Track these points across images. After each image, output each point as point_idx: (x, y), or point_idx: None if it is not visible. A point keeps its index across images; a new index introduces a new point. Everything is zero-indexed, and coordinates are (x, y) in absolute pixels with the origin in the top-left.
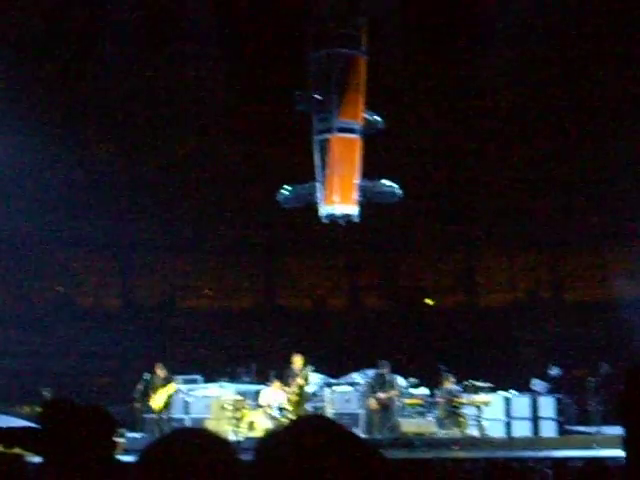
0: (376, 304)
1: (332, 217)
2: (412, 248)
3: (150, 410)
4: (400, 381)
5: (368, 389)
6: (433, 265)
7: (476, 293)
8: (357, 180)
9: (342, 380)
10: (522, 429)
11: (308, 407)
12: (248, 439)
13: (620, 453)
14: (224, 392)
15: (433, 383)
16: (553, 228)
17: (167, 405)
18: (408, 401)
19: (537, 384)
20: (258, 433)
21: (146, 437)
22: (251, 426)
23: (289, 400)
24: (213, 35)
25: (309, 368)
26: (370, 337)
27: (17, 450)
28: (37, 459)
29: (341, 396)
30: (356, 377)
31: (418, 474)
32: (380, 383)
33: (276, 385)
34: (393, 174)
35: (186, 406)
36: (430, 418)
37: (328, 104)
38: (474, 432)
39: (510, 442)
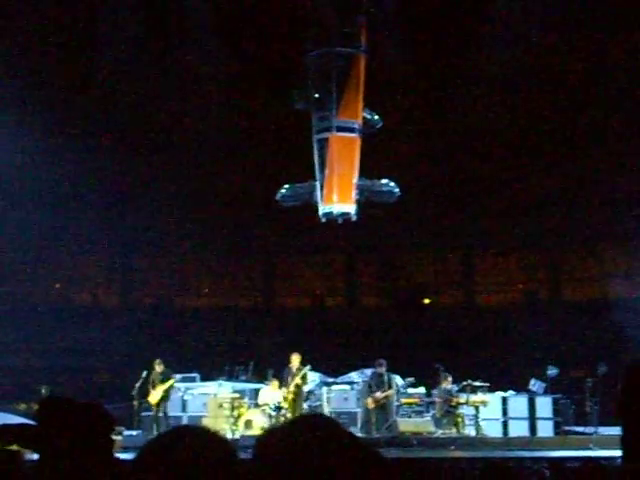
0: (374, 303)
1: (330, 216)
2: (410, 247)
3: (148, 406)
4: (398, 380)
5: (366, 388)
6: (431, 264)
7: (474, 293)
8: (356, 179)
9: (340, 379)
10: (519, 429)
11: (306, 406)
12: (245, 437)
13: (617, 453)
14: (222, 390)
15: (431, 382)
16: (551, 228)
17: (164, 399)
18: (405, 400)
19: (535, 384)
20: (255, 431)
21: (144, 434)
22: (248, 424)
23: (286, 399)
24: (212, 33)
25: (307, 367)
26: (368, 336)
27: (14, 447)
28: (34, 456)
29: (339, 395)
30: (354, 376)
31: (415, 473)
32: (378, 382)
33: (274, 384)
34: (391, 173)
35: (184, 404)
36: (427, 417)
37: (327, 103)
38: (471, 432)
39: (507, 442)
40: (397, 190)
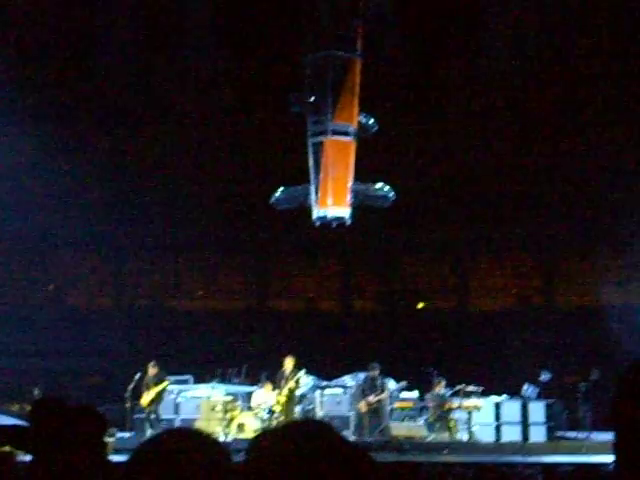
0: (368, 307)
1: (325, 220)
2: (404, 252)
3: (141, 408)
4: (391, 384)
5: (359, 392)
6: (425, 269)
7: (468, 297)
8: (350, 183)
9: (333, 383)
10: (512, 434)
11: (298, 409)
12: (238, 440)
13: (610, 459)
14: (215, 393)
15: (424, 387)
16: (545, 234)
17: (156, 400)
18: (398, 404)
19: (528, 389)
20: (248, 434)
21: (136, 436)
22: (241, 427)
23: (279, 402)
24: (209, 37)
25: (302, 372)
26: (361, 340)
27: (7, 448)
28: (27, 457)
29: (332, 399)
30: (347, 380)
31: (408, 478)
32: (371, 386)
33: (267, 387)
34: (386, 177)
35: (176, 407)
36: (420, 422)
37: (323, 106)
38: (464, 436)
39: (500, 447)
40: (392, 194)
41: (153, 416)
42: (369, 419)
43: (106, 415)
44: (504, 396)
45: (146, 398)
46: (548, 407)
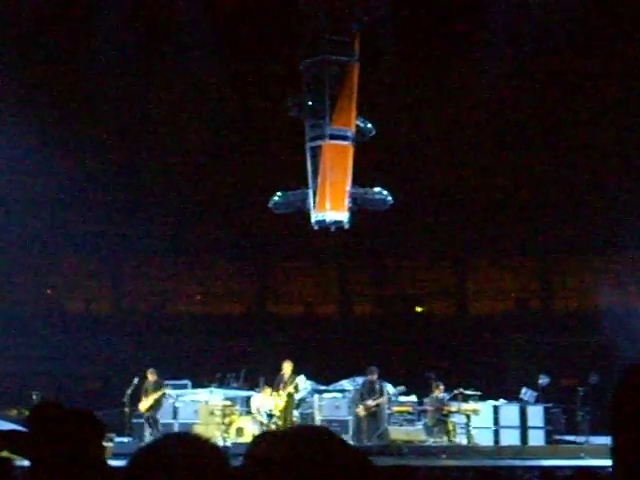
0: (366, 311)
1: (323, 224)
2: (402, 256)
3: (139, 413)
4: (389, 388)
5: (357, 396)
6: (424, 273)
7: (466, 301)
8: (349, 187)
9: (331, 387)
10: (510, 438)
11: (297, 413)
12: (237, 445)
13: (608, 462)
14: (213, 397)
15: (422, 391)
16: (543, 238)
17: (155, 407)
18: (397, 408)
19: (526, 393)
20: (247, 439)
21: (135, 441)
22: (240, 432)
23: (278, 406)
24: (207, 41)
25: (301, 378)
26: (360, 344)
27: (5, 454)
28: (25, 463)
29: (330, 403)
30: (345, 384)
31: None
32: (369, 390)
33: (266, 391)
34: (384, 181)
35: (175, 411)
36: (419, 426)
37: (320, 111)
38: (463, 440)
39: (498, 451)
40: (390, 198)
41: (151, 421)
42: (368, 423)
43: (105, 420)
44: (502, 400)
45: (144, 404)
46: (547, 411)
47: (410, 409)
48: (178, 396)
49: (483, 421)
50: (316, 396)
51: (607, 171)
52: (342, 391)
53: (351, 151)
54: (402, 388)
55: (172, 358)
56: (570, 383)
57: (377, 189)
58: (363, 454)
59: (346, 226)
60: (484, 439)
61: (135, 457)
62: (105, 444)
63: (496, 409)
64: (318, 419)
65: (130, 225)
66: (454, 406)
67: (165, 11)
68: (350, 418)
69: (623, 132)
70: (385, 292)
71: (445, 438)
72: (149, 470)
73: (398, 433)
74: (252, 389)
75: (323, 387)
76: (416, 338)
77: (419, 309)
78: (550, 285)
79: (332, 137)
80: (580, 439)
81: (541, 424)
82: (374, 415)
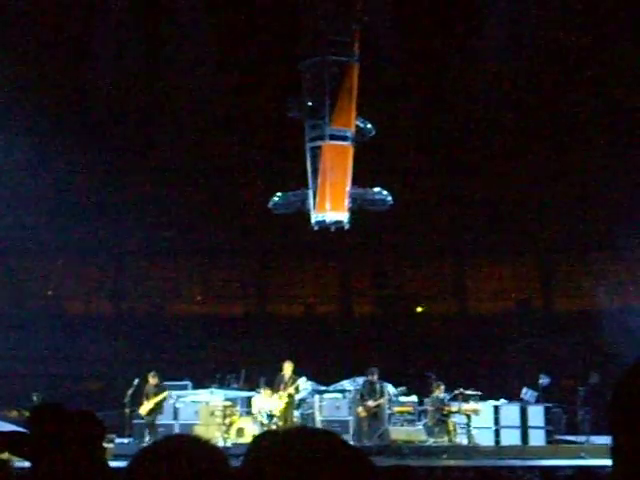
0: (366, 311)
1: (323, 224)
2: (403, 255)
3: (139, 416)
4: (390, 389)
5: (357, 397)
6: (424, 273)
7: (466, 301)
8: (349, 187)
9: (332, 387)
10: (511, 438)
11: (297, 414)
12: (237, 445)
13: (609, 462)
14: (214, 398)
15: (423, 391)
16: (544, 238)
17: (155, 410)
18: (397, 409)
19: (527, 393)
20: (247, 439)
21: (135, 442)
22: (240, 432)
23: (278, 407)
24: (207, 42)
25: (303, 379)
26: (360, 344)
27: (5, 455)
28: (25, 464)
29: (330, 403)
30: (346, 384)
31: None
32: (370, 391)
33: (266, 392)
34: (384, 181)
35: (175, 412)
36: (419, 426)
37: (320, 111)
38: (463, 440)
39: (499, 451)
40: (390, 198)
41: (152, 422)
42: (368, 423)
43: (105, 421)
44: (503, 400)
45: (145, 408)
46: (547, 411)
47: (411, 409)
48: (178, 397)
49: (484, 421)
50: (316, 396)
51: (607, 171)
52: (342, 391)
53: (351, 151)
54: (403, 389)
55: (172, 358)
56: (571, 383)
57: (377, 189)
58: (364, 454)
59: (346, 226)
60: (485, 439)
61: (135, 458)
62: (105, 445)
63: (497, 409)
64: (318, 419)
65: (130, 225)
66: (454, 406)
67: (165, 11)
68: (350, 418)
69: (623, 132)
70: (385, 292)
71: (446, 438)
72: (150, 471)
73: (399, 433)
74: (252, 390)
75: (323, 387)
76: (416, 338)
77: (419, 309)
78: (550, 285)
79: (332, 137)
80: (581, 439)
81: (542, 424)
82: (375, 415)
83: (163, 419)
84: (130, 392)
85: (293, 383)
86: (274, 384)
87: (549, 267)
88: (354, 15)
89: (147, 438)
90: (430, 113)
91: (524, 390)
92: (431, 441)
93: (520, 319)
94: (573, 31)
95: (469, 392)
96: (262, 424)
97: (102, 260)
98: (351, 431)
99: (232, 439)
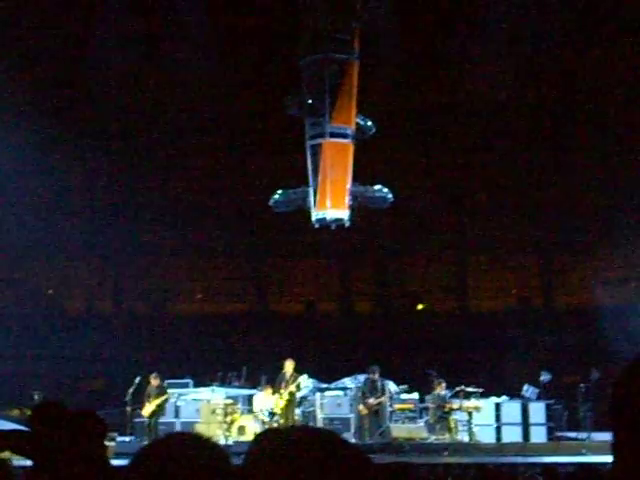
0: (367, 309)
1: (323, 222)
2: (403, 253)
3: (140, 414)
4: (391, 386)
5: (359, 394)
6: (424, 270)
7: (467, 298)
8: (349, 185)
9: (333, 385)
10: (512, 435)
11: (299, 412)
12: (238, 443)
13: (610, 459)
14: (215, 396)
15: (424, 388)
16: (545, 235)
17: (157, 412)
18: (399, 406)
19: (528, 390)
20: (248, 437)
21: (137, 441)
22: (241, 430)
23: (279, 405)
24: (206, 40)
25: (304, 377)
26: (361, 342)
27: (6, 454)
28: (27, 463)
29: (332, 401)
30: (347, 382)
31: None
32: (371, 388)
33: (267, 390)
34: (385, 179)
35: (176, 410)
36: (421, 423)
37: (320, 109)
38: (464, 437)
39: (500, 448)
40: (390, 196)
41: (152, 426)
42: (369, 421)
43: (106, 419)
44: (504, 397)
45: (147, 409)
46: (548, 407)
47: (412, 407)
48: (180, 395)
49: (485, 418)
50: (318, 394)
51: (607, 171)
52: (344, 389)
53: (351, 149)
54: (404, 387)
55: (173, 357)
56: (572, 380)
57: (377, 187)
58: (364, 454)
59: (347, 224)
60: (486, 436)
61: (137, 457)
62: (107, 443)
63: (498, 406)
64: (320, 417)
65: (130, 225)
66: (456, 403)
67: (165, 10)
68: (352, 416)
69: (623, 132)
70: (386, 290)
71: (447, 435)
72: (151, 470)
73: (400, 431)
74: (254, 388)
75: (325, 385)
76: (417, 335)
77: (420, 306)
78: (551, 282)
79: (332, 135)
80: (582, 435)
81: (543, 421)
82: (376, 413)
83: (164, 417)
84: (131, 390)
85: (294, 381)
86: (275, 382)
87: (550, 265)
88: (354, 13)
89: (148, 437)
90: (430, 110)
91: (525, 387)
92: (432, 438)
93: (521, 316)
94: (573, 31)
95: (470, 389)
96: (263, 422)
97: (102, 259)
98: (352, 429)
99: (233, 437)
